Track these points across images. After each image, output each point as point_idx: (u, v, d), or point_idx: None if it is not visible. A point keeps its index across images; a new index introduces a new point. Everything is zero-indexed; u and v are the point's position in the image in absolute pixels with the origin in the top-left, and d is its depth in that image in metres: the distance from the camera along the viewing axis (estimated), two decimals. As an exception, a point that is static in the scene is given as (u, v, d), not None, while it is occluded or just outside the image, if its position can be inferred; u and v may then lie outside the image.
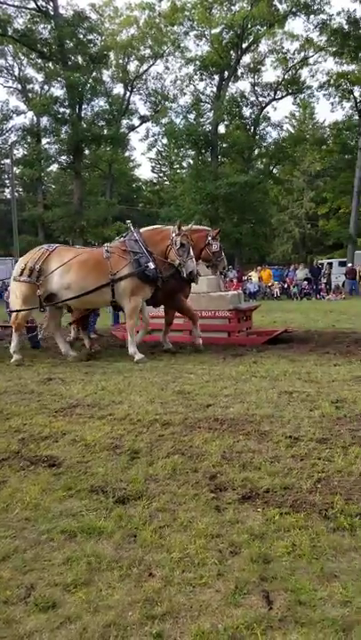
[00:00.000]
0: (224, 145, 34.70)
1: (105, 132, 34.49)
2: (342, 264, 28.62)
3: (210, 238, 8.14)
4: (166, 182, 42.20)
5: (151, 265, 7.18)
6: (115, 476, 3.06)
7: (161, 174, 43.40)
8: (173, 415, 4.28)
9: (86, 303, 7.62)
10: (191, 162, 35.80)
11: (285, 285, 25.84)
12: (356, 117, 32.85)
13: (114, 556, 2.22)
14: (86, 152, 36.50)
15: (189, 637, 1.74)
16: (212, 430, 3.84)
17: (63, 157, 37.78)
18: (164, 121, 34.32)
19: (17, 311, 7.47)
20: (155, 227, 8.30)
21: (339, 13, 30.76)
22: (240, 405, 4.53)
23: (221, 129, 34.70)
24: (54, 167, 41.29)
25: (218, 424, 3.98)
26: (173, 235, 7.48)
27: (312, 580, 2.03)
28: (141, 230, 7.76)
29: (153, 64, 36.62)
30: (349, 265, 27.07)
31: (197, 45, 36.30)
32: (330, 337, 8.86)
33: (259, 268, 27.64)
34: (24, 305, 7.38)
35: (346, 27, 30.44)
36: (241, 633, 1.75)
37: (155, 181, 42.86)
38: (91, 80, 33.63)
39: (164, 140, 38.01)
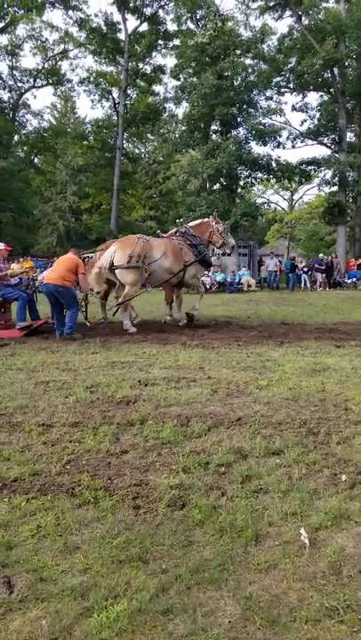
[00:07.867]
0: (-20, 126, 32.28)
1: None
2: None
3: (213, 222, 9.51)
4: None
5: (208, 253, 9.36)
6: None
7: None
8: None
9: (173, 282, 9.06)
10: None
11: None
12: (115, 118, 34.19)
13: None
14: None
15: None
16: None
17: None
18: None
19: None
20: (196, 221, 9.96)
21: (96, 15, 31.59)
22: (-8, 399, 4.34)
23: (-23, 108, 32.26)
24: None
25: (-34, 421, 3.75)
26: (214, 223, 9.49)
27: (55, 555, 2.10)
28: (188, 225, 9.66)
29: None
30: None
31: None
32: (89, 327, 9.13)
33: (21, 259, 26.63)
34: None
35: (104, 28, 31.40)
36: (-22, 625, 1.70)
37: None
38: None
39: None
